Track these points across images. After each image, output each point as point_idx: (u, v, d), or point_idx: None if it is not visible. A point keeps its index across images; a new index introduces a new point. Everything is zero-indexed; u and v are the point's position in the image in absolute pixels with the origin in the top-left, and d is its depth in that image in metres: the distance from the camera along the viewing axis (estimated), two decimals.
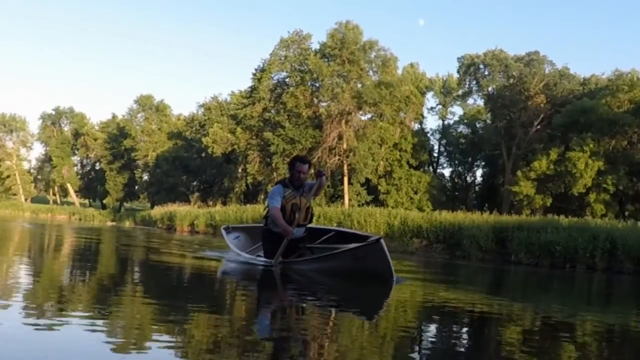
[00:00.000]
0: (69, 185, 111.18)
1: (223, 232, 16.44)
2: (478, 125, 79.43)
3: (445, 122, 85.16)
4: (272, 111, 67.77)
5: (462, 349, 5.76)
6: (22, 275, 7.73)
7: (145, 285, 8.36)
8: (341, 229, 17.24)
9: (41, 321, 5.14)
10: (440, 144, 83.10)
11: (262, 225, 13.32)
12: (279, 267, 12.11)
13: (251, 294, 9.62)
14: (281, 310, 7.25)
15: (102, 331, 4.94)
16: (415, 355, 5.15)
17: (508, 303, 9.94)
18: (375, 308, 7.98)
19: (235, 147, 72.41)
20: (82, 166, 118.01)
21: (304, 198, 12.38)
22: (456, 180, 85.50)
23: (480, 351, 5.77)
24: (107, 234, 33.58)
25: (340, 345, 5.24)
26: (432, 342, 6.02)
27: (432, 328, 6.98)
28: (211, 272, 13.02)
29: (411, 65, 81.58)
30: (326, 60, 65.07)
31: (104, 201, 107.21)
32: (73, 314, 5.69)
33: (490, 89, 69.90)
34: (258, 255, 13.82)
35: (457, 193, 79.44)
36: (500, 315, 7.95)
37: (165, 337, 4.99)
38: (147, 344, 4.75)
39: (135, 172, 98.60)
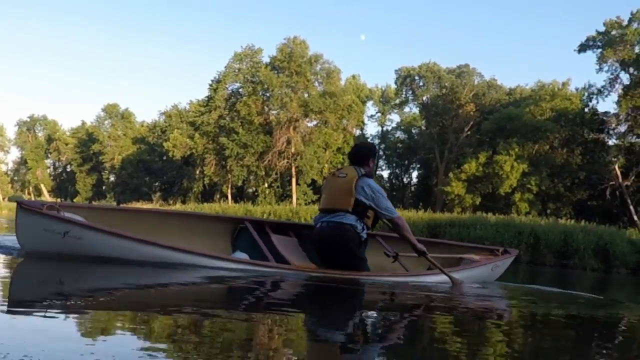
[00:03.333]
0: (42, 185, 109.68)
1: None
2: (414, 132, 78.76)
3: (384, 129, 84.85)
4: (227, 118, 67.43)
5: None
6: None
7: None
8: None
9: None
10: (379, 149, 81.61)
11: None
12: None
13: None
14: None
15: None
16: None
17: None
18: None
19: (194, 151, 71.83)
20: (55, 168, 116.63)
21: None
22: (394, 181, 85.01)
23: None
24: None
25: None
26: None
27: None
28: None
29: (353, 76, 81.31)
30: (276, 72, 64.97)
31: (75, 200, 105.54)
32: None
33: (424, 98, 69.39)
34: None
35: (394, 193, 78.70)
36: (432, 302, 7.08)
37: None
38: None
39: (102, 173, 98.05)
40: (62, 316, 3.78)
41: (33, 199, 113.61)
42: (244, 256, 8.05)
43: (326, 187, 8.60)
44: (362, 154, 8.66)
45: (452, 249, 10.46)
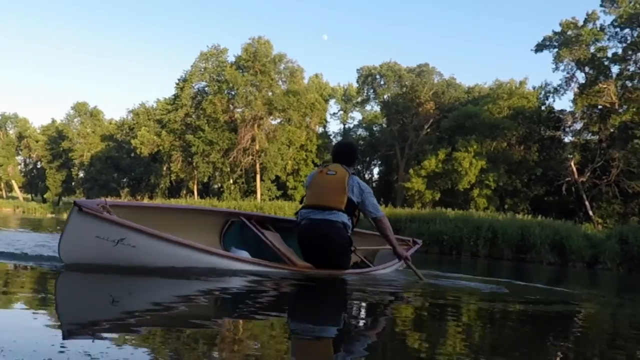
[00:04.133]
0: (13, 182, 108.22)
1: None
2: (375, 129, 77.82)
3: (346, 126, 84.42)
4: (193, 116, 67.04)
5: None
6: None
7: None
8: None
9: None
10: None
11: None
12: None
13: None
14: None
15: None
16: None
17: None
18: None
19: (161, 148, 71.19)
20: (26, 165, 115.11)
21: None
22: None
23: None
24: (45, 222, 32.98)
25: None
26: None
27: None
28: None
29: (316, 75, 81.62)
30: (241, 71, 64.65)
31: (45, 196, 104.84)
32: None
33: (385, 96, 69.15)
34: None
35: None
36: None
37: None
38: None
39: (72, 170, 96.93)
40: (129, 345, 3.21)
41: (4, 194, 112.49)
42: (244, 253, 7.77)
43: (315, 184, 8.12)
44: (349, 153, 8.47)
45: (372, 239, 10.15)
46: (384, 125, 72.99)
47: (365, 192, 8.00)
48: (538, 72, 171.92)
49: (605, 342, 5.12)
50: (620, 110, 49.03)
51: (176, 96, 69.79)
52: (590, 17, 50.69)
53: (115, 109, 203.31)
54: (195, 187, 71.29)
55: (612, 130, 50.79)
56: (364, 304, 6.19)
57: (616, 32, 49.74)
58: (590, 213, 49.94)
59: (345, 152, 8.47)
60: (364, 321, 5.06)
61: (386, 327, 4.77)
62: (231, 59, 67.42)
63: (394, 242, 8.38)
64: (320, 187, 7.99)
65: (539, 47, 53.51)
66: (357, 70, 71.73)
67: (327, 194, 7.88)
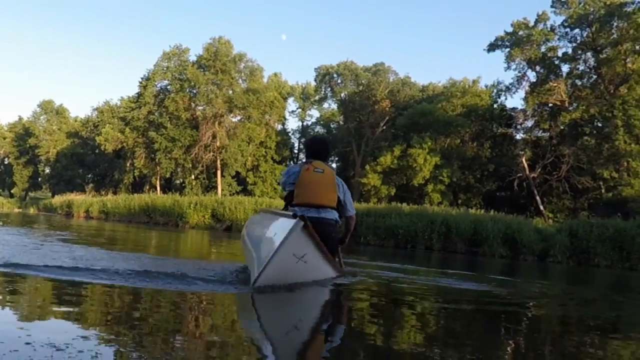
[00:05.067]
0: None
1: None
2: (332, 126, 78.06)
3: (304, 123, 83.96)
4: (156, 114, 65.68)
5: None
6: None
7: None
8: None
9: None
10: (300, 142, 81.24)
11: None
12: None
13: None
14: None
15: None
16: None
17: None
18: None
19: (124, 144, 70.23)
20: None
21: None
22: None
23: None
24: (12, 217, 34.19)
25: None
26: None
27: None
28: None
29: (275, 74, 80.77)
30: (202, 70, 64.09)
31: (12, 191, 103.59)
32: None
33: (342, 95, 68.81)
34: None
35: None
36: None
37: None
38: None
39: (38, 166, 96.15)
40: None
41: None
42: None
43: (306, 182, 7.80)
44: (326, 149, 8.43)
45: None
46: (341, 122, 72.80)
47: (346, 190, 8.14)
48: (490, 71, 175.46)
49: (557, 330, 5.39)
50: (570, 108, 49.16)
51: (139, 94, 68.81)
52: (541, 18, 50.41)
53: (80, 107, 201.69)
54: (158, 182, 70.58)
55: (562, 127, 50.96)
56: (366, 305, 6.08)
57: (566, 32, 49.49)
58: (541, 208, 49.74)
59: (323, 149, 8.35)
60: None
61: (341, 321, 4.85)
62: (193, 58, 66.87)
63: (348, 237, 8.68)
64: (313, 185, 7.76)
65: (492, 47, 53.05)
66: (315, 69, 71.46)
67: (321, 193, 7.73)
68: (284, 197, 8.28)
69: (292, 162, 77.77)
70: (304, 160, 8.25)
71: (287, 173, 8.19)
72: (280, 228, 5.79)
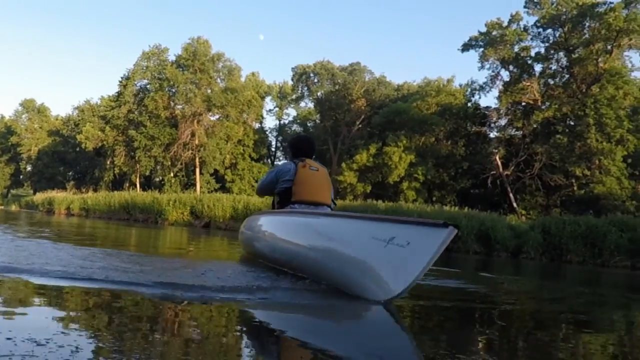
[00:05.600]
0: None
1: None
2: (309, 125, 77.36)
3: (282, 122, 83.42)
4: (136, 112, 65.15)
5: None
6: None
7: None
8: None
9: None
10: (277, 140, 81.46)
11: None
12: None
13: None
14: None
15: None
16: None
17: None
18: None
19: (105, 143, 69.39)
20: None
21: None
22: None
23: None
24: None
25: None
26: None
27: None
28: None
29: (253, 73, 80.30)
30: (181, 69, 63.66)
31: None
32: None
33: (319, 94, 68.20)
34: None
35: None
36: None
37: None
38: None
39: (20, 164, 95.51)
40: None
41: None
42: None
43: (304, 180, 7.74)
44: (313, 148, 8.42)
45: None
46: (318, 121, 72.31)
47: (332, 187, 8.10)
48: (464, 70, 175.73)
49: (530, 325, 5.45)
50: (543, 107, 48.74)
51: (119, 93, 68.35)
52: (514, 18, 50.05)
53: (61, 106, 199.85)
54: (137, 180, 69.81)
55: (535, 126, 50.44)
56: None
57: (539, 33, 49.23)
58: (515, 205, 49.47)
59: (311, 147, 8.36)
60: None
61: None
62: (172, 58, 66.35)
63: None
64: (312, 183, 7.77)
65: (465, 47, 52.61)
66: (292, 68, 70.80)
67: (320, 191, 7.79)
68: (278, 193, 7.99)
69: (269, 160, 77.93)
70: (294, 160, 8.06)
71: (279, 171, 8.02)
72: (414, 236, 4.87)
